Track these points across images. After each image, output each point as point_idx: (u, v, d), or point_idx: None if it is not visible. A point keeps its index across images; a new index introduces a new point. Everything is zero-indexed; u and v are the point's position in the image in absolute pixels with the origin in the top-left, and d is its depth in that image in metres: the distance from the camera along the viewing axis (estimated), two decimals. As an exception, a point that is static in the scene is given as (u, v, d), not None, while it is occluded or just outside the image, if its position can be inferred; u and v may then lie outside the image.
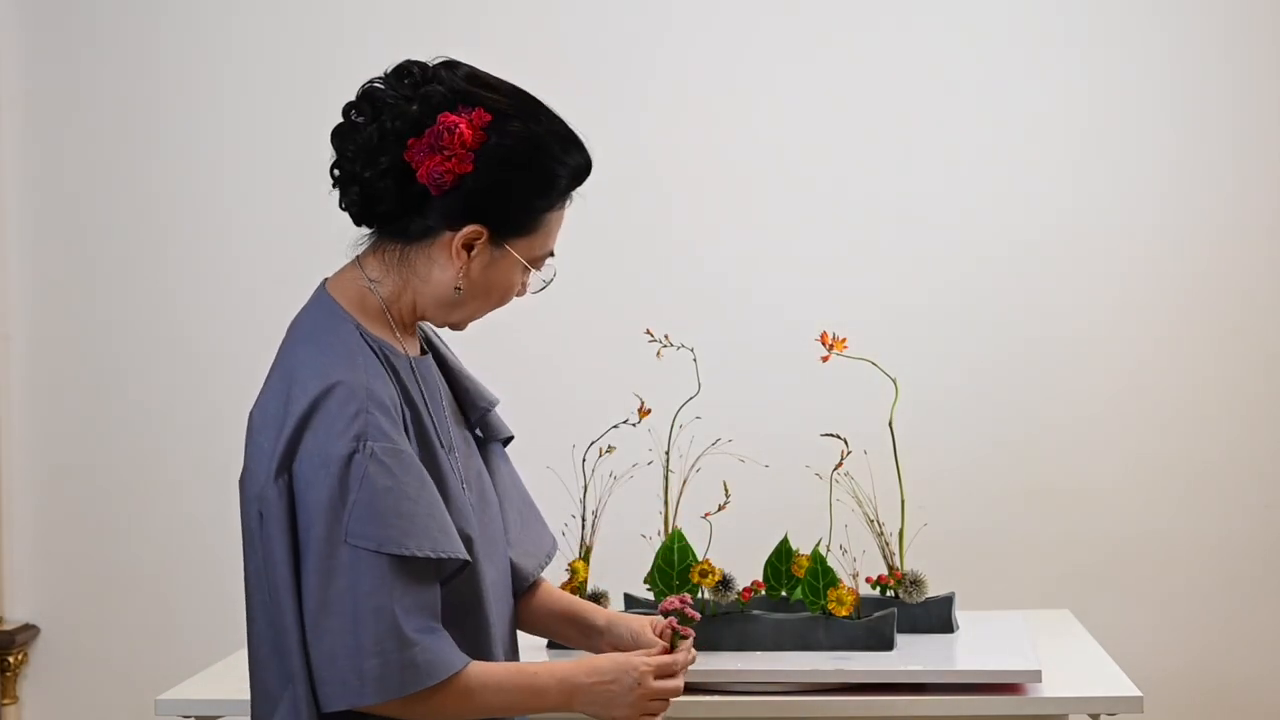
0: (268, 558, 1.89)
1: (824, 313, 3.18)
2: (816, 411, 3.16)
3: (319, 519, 1.86)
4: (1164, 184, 3.79)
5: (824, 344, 2.72)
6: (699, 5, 3.85)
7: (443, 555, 1.90)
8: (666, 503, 2.76)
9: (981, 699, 2.49)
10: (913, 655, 2.60)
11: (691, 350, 2.77)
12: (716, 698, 2.51)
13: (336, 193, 2.00)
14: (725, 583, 2.66)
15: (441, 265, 1.98)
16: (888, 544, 2.78)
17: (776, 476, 3.08)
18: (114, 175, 3.92)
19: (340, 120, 1.99)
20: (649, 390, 2.78)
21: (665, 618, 2.13)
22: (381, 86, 1.97)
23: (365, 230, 2.02)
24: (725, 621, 2.65)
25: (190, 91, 3.90)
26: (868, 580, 2.76)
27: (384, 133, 1.94)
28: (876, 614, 2.64)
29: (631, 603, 2.77)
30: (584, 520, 2.80)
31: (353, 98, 1.99)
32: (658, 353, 2.76)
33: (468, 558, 1.94)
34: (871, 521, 2.78)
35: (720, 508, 2.72)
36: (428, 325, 2.11)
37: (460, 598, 1.98)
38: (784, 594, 2.75)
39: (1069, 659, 2.75)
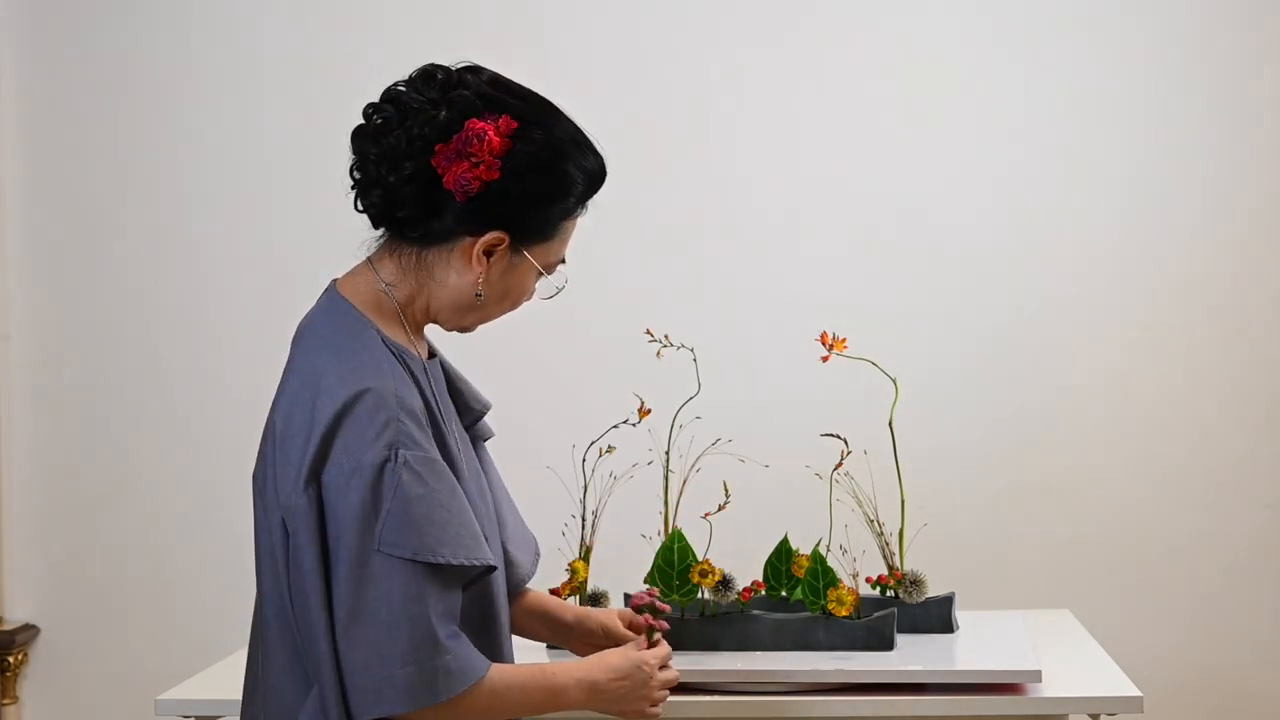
0: (296, 568, 1.87)
1: (824, 313, 3.17)
2: (816, 411, 3.15)
3: (350, 528, 1.86)
4: (1164, 184, 3.79)
5: (824, 344, 2.72)
6: (699, 5, 3.85)
7: (475, 562, 1.91)
8: (666, 503, 2.76)
9: (981, 699, 2.49)
10: (913, 655, 2.60)
11: (691, 350, 2.77)
12: (716, 698, 2.51)
13: (349, 194, 1.99)
14: (725, 583, 2.66)
15: (459, 270, 1.98)
16: (888, 544, 2.78)
17: (776, 476, 3.08)
18: (114, 175, 3.92)
19: (361, 122, 1.98)
20: (649, 390, 2.78)
21: (639, 613, 2.22)
22: (406, 90, 1.97)
23: (372, 231, 2.02)
24: (725, 621, 2.65)
25: (190, 91, 3.90)
26: (868, 580, 2.76)
27: (411, 138, 1.93)
28: (876, 614, 2.64)
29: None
30: (584, 520, 2.79)
31: (375, 99, 1.98)
32: (658, 353, 2.76)
33: (496, 563, 1.96)
34: (871, 521, 2.78)
35: (720, 508, 2.72)
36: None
37: (480, 601, 1.99)
38: (784, 594, 2.74)
39: (1069, 659, 2.75)
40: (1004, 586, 3.70)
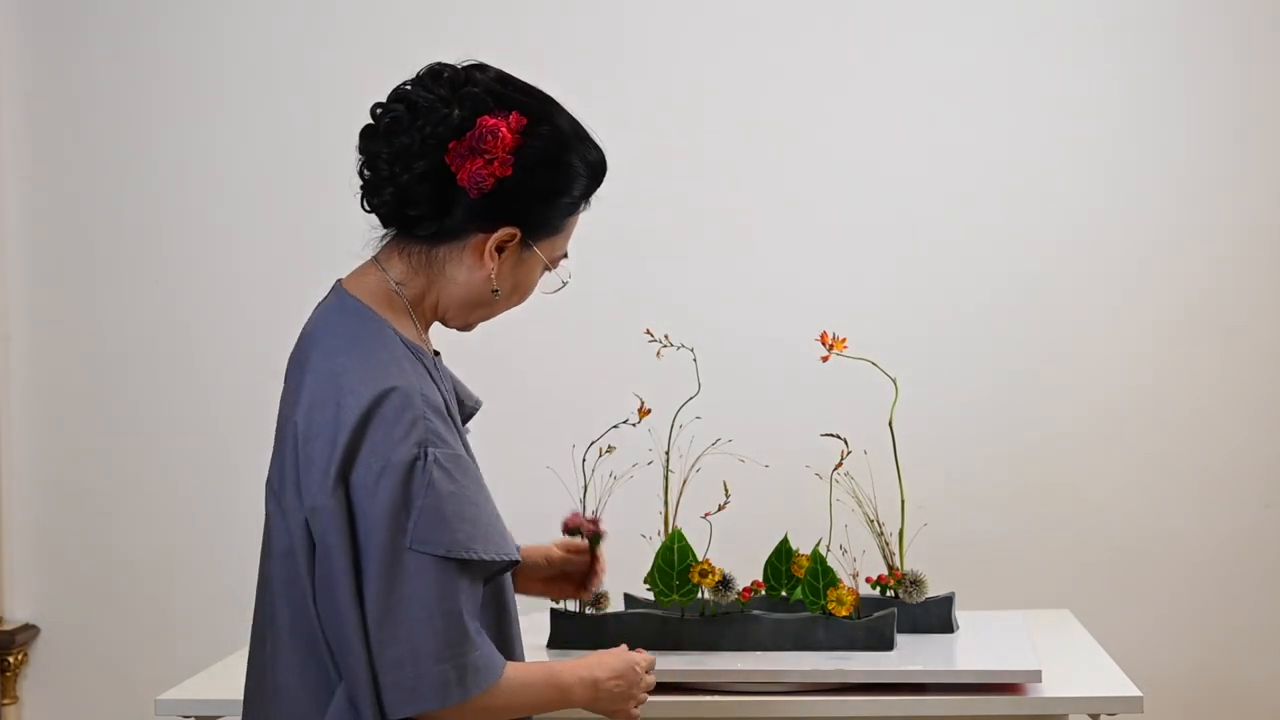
0: (325, 568, 1.87)
1: (824, 313, 3.17)
2: (816, 411, 3.15)
3: (380, 526, 1.86)
4: (1163, 187, 3.79)
5: (824, 344, 2.72)
6: (698, 5, 3.85)
7: (503, 557, 1.93)
8: (666, 503, 2.76)
9: (981, 699, 2.49)
10: (913, 655, 2.60)
11: (691, 350, 2.77)
12: (716, 698, 2.51)
13: (352, 193, 1.99)
14: (725, 583, 2.66)
15: (470, 266, 1.99)
16: (888, 544, 2.78)
17: (776, 476, 3.08)
18: (114, 175, 3.92)
19: (369, 122, 1.98)
20: (649, 390, 2.78)
21: (573, 535, 2.40)
22: (415, 89, 1.97)
23: (373, 229, 2.02)
24: (725, 621, 2.65)
25: (190, 91, 3.90)
26: (868, 580, 2.76)
27: (424, 136, 1.93)
28: (876, 614, 2.63)
29: (631, 602, 2.78)
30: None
31: (382, 99, 1.98)
32: (658, 353, 2.76)
33: (519, 557, 1.97)
34: (871, 521, 2.77)
35: (720, 508, 2.71)
36: None
37: (498, 597, 2.01)
38: (784, 594, 2.74)
39: (1069, 659, 2.75)
40: (1004, 586, 3.70)
